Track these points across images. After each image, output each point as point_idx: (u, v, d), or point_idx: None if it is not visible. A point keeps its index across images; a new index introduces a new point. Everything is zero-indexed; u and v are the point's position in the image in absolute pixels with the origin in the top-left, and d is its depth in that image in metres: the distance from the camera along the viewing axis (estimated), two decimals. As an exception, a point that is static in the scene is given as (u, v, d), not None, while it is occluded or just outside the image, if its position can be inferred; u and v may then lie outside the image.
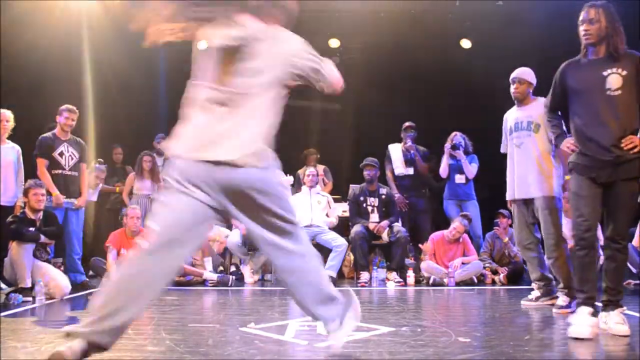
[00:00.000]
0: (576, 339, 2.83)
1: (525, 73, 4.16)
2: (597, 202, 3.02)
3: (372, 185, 6.13)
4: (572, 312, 3.69)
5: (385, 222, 5.94)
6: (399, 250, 5.82)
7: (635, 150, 2.94)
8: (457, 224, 5.76)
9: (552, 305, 3.95)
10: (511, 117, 4.24)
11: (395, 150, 6.47)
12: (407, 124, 6.49)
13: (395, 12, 7.28)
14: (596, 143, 3.01)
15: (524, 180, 4.07)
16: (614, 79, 3.01)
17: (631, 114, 3.02)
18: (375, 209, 6.09)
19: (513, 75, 4.18)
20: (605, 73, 3.03)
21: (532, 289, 4.25)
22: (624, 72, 3.01)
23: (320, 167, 7.07)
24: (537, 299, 4.12)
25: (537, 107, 4.04)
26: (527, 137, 4.07)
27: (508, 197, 4.24)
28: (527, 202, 4.11)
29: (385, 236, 5.92)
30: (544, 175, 4.00)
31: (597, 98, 3.03)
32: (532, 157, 4.04)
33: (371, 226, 5.90)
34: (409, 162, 6.39)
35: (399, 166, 6.41)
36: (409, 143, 6.38)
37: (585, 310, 2.93)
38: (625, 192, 2.99)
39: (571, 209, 3.14)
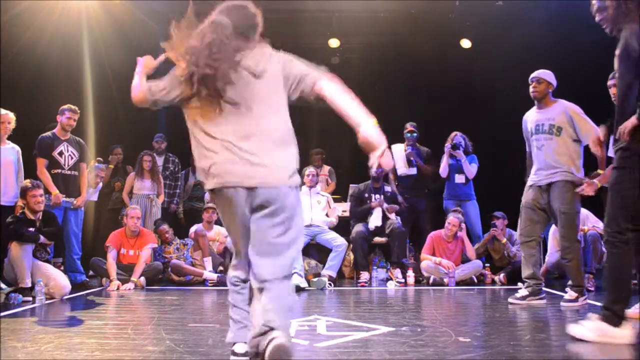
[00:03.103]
0: None
1: (544, 73, 4.17)
2: None
3: (377, 183, 6.13)
4: (579, 307, 3.92)
5: (394, 206, 5.99)
6: (396, 242, 5.81)
7: None
8: (451, 218, 5.77)
9: (540, 303, 4.11)
10: (530, 119, 4.23)
11: (398, 151, 6.47)
12: (408, 126, 6.48)
13: (395, 12, 7.28)
14: None
15: (545, 170, 4.08)
16: None
17: None
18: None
19: (532, 75, 4.18)
20: None
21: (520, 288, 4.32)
22: None
23: (326, 168, 7.10)
24: (524, 297, 4.16)
25: (558, 109, 4.06)
26: (549, 140, 4.07)
27: (529, 182, 4.24)
28: (542, 194, 4.09)
29: (383, 238, 5.95)
30: (567, 170, 4.02)
31: None
32: (555, 157, 4.05)
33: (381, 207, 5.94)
34: (411, 162, 6.39)
35: (401, 166, 6.41)
36: (409, 150, 6.37)
37: None
38: None
39: None
